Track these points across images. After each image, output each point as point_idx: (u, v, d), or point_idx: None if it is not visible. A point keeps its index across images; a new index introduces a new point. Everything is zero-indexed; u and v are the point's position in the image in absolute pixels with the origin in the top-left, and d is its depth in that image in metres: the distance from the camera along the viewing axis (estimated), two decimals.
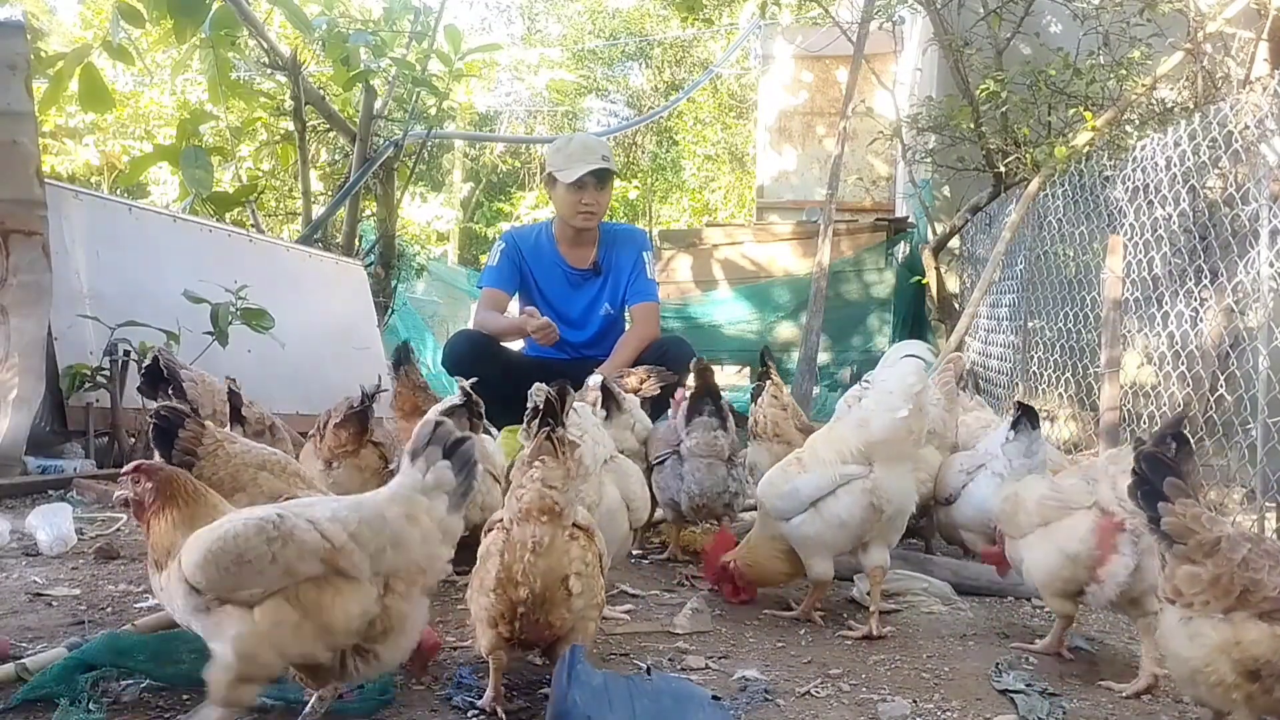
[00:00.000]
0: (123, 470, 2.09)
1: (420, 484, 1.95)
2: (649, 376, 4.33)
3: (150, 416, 2.48)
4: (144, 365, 3.74)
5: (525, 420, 3.12)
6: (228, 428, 3.27)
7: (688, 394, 3.76)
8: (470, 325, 5.40)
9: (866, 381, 3.09)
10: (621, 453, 3.68)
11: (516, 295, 5.38)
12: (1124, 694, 2.54)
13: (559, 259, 5.21)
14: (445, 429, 1.99)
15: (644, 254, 5.27)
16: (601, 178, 5.03)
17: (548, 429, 2.25)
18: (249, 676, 1.84)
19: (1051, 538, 2.73)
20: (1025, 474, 3.21)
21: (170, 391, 3.50)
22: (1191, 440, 2.55)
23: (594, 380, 4.12)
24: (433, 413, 3.10)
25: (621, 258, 5.23)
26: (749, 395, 4.14)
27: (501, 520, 2.28)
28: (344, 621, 1.85)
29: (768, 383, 3.98)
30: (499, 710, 2.20)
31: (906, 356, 2.91)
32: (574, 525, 2.24)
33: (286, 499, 2.43)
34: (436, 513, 1.95)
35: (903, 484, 2.93)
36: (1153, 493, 2.08)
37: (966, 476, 3.65)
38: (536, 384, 2.46)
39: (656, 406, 4.45)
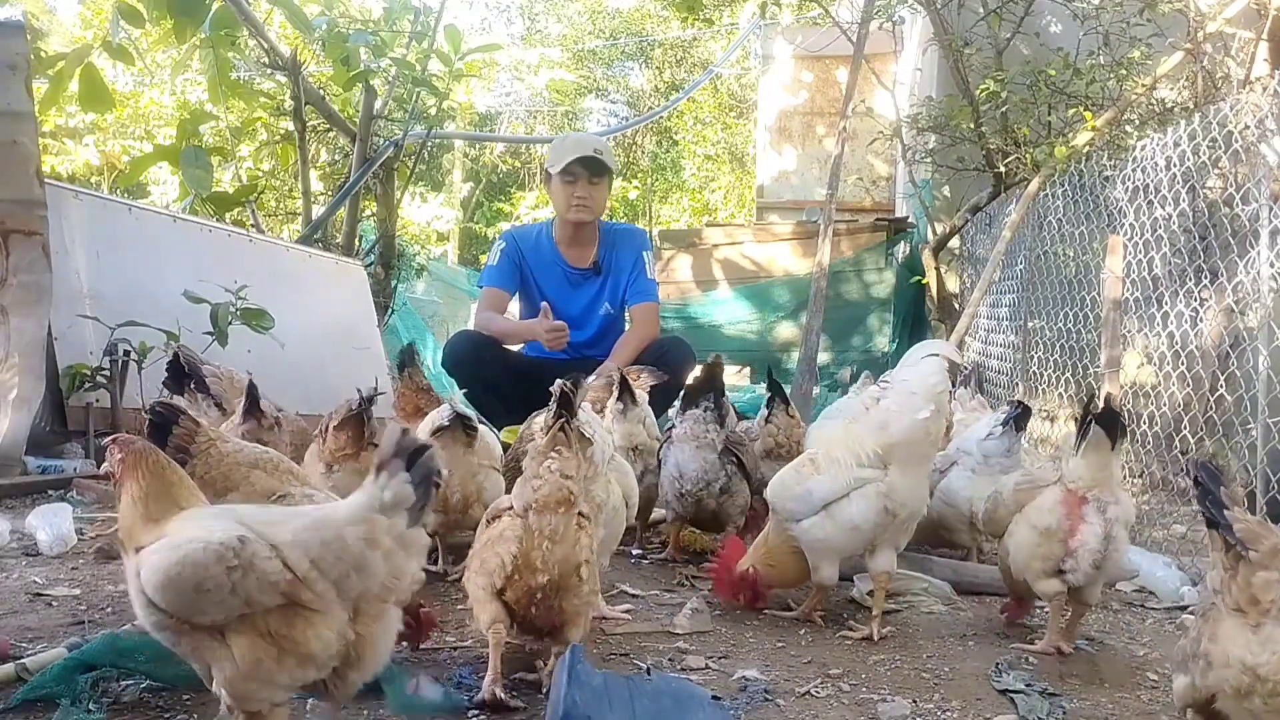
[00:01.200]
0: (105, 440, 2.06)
1: (380, 502, 1.86)
2: (639, 376, 4.33)
3: (146, 413, 2.47)
4: (167, 362, 3.76)
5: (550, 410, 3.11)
6: (239, 418, 3.28)
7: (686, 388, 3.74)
8: (471, 325, 5.37)
9: (885, 381, 3.04)
10: (634, 449, 3.68)
11: (517, 295, 5.38)
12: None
13: (559, 258, 5.21)
14: (409, 439, 1.91)
15: (644, 254, 5.27)
16: (593, 169, 5.00)
17: (563, 419, 2.31)
18: (259, 711, 1.82)
19: (1025, 519, 2.79)
20: (999, 474, 3.22)
21: (194, 386, 3.51)
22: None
23: (591, 380, 4.14)
24: (422, 432, 3.10)
25: (622, 257, 5.23)
26: (760, 412, 4.11)
27: (511, 507, 2.33)
28: (323, 649, 1.81)
29: (778, 405, 3.92)
30: (497, 691, 2.22)
31: (929, 356, 2.83)
32: (579, 514, 2.30)
33: (279, 497, 2.44)
34: (397, 530, 1.86)
35: (917, 488, 2.89)
36: (1217, 501, 2.05)
37: (938, 474, 3.63)
38: (558, 380, 2.50)
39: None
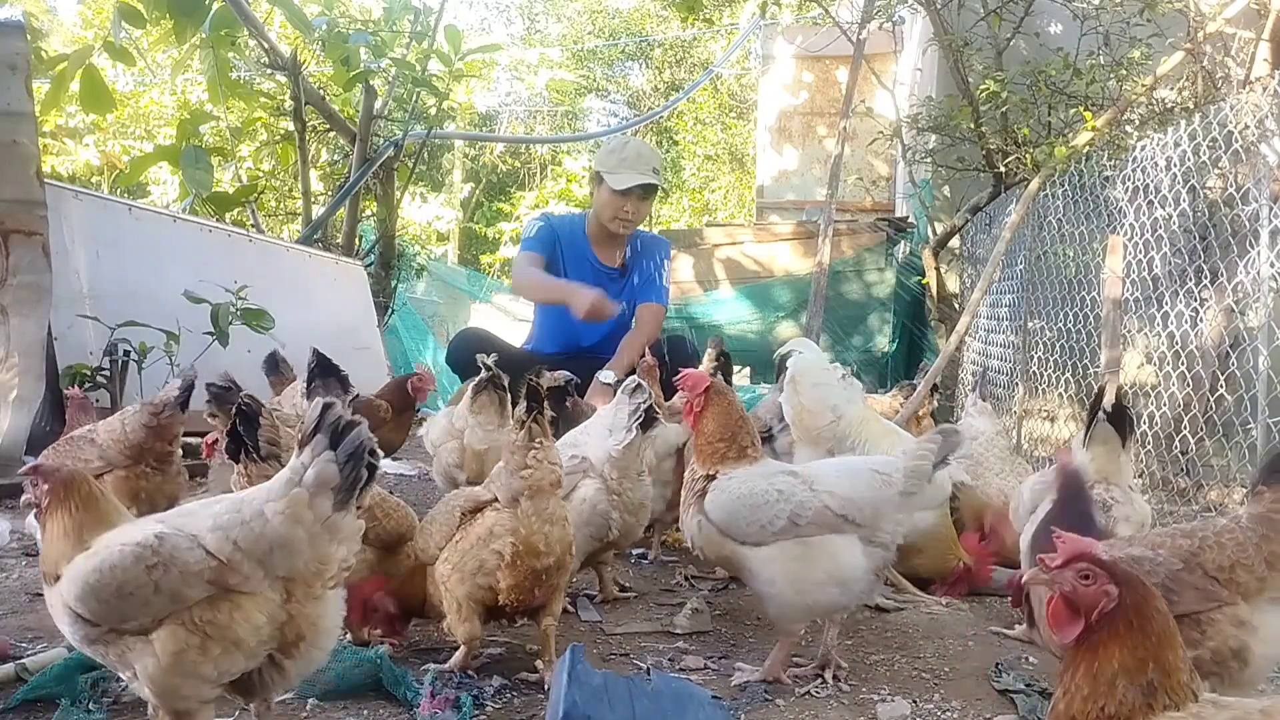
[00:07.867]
0: (20, 470, 1.94)
1: (300, 479, 1.71)
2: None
3: (235, 406, 2.30)
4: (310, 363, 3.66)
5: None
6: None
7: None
8: (513, 282, 5.38)
9: None
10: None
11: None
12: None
13: (591, 255, 5.26)
14: (333, 412, 1.72)
15: (665, 261, 5.40)
16: (648, 190, 5.08)
17: (535, 411, 2.36)
18: (184, 710, 1.72)
19: (1036, 518, 2.79)
20: None
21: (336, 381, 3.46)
22: None
23: (604, 376, 4.31)
24: (466, 391, 3.33)
25: (646, 263, 5.33)
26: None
27: (495, 501, 2.36)
28: (251, 633, 1.69)
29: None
30: (468, 671, 2.36)
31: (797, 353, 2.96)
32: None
33: None
34: (321, 511, 1.71)
35: None
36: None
37: None
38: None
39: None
